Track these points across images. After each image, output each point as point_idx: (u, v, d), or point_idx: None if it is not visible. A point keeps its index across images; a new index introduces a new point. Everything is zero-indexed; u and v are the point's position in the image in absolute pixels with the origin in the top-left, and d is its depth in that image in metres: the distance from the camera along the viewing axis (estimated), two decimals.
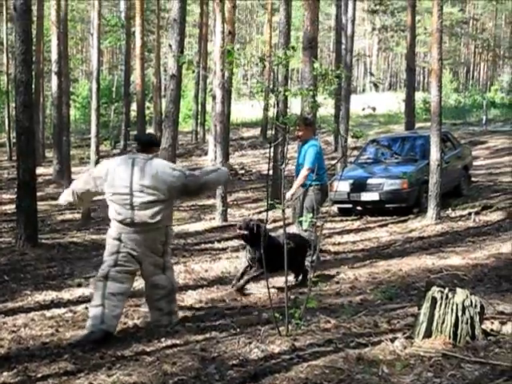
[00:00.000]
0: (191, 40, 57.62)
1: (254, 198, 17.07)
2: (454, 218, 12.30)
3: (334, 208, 13.90)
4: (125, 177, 6.07)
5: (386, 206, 13.07)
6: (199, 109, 33.87)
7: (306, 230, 8.72)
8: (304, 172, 8.83)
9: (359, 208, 13.55)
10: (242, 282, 7.52)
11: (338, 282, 7.97)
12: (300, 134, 8.96)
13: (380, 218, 12.86)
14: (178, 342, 5.61)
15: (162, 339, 5.71)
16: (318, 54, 10.27)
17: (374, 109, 5.08)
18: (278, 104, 5.42)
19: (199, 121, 33.82)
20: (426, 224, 11.78)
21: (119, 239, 6.11)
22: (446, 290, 4.99)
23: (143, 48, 20.73)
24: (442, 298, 4.96)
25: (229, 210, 14.50)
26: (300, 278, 7.95)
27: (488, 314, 5.63)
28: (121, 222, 6.09)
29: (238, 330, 5.82)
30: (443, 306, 4.94)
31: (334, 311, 6.37)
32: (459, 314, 4.90)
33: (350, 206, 13.51)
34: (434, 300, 4.97)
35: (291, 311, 5.50)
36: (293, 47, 5.49)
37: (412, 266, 8.59)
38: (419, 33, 41.83)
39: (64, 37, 18.62)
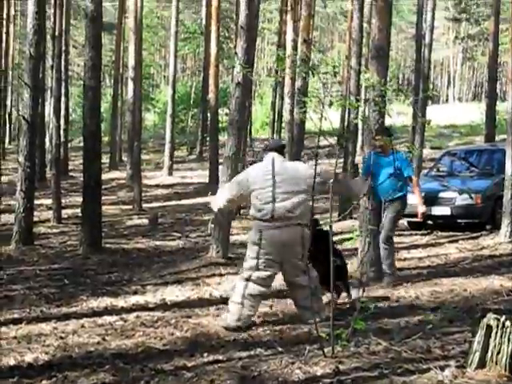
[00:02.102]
0: (272, 47, 57.73)
1: (324, 207, 16.77)
2: None
3: (404, 221, 13.50)
4: (267, 172, 6.41)
5: (458, 221, 12.59)
6: (276, 116, 33.73)
7: (385, 244, 8.56)
8: (416, 182, 8.91)
9: (430, 222, 13.09)
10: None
11: (397, 301, 7.64)
12: (382, 144, 8.60)
13: (451, 233, 12.38)
14: (220, 357, 5.44)
15: (205, 354, 5.55)
16: (388, 64, 9.89)
17: (429, 122, 4.79)
18: (322, 115, 5.19)
19: (275, 128, 33.68)
20: (498, 242, 11.26)
21: (259, 244, 6.36)
22: (503, 318, 4.64)
23: (218, 55, 20.81)
24: (497, 326, 4.61)
25: None
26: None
27: None
28: (261, 218, 6.37)
29: (284, 348, 5.61)
30: (499, 334, 4.60)
31: (387, 332, 6.08)
32: None
33: (421, 220, 13.06)
34: (489, 328, 4.63)
35: (338, 332, 5.25)
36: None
37: (478, 286, 8.18)
38: (505, 42, 40.54)
39: (139, 43, 18.86)
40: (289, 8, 13.55)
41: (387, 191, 8.56)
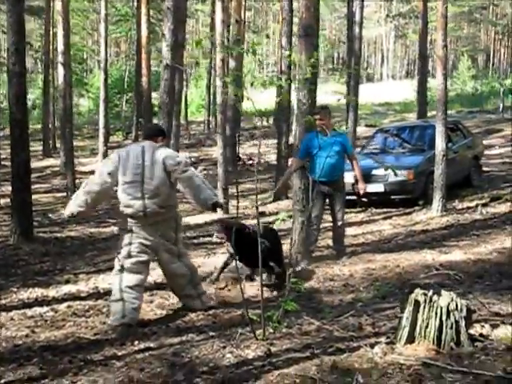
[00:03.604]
0: (207, 29, 57.29)
1: (260, 189, 16.78)
2: (460, 210, 11.94)
3: None
4: (137, 164, 6.11)
5: (392, 197, 12.73)
6: (211, 98, 33.58)
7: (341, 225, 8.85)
8: (357, 160, 9.00)
9: (364, 200, 13.19)
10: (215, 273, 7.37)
11: (331, 279, 7.67)
12: (323, 122, 8.56)
13: (385, 210, 12.53)
14: (151, 345, 5.36)
15: (136, 342, 5.46)
16: (317, 42, 9.85)
17: (350, 99, 4.78)
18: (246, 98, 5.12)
19: (211, 111, 33.53)
20: (430, 216, 11.44)
21: (131, 230, 6.15)
22: (430, 293, 4.68)
23: (149, 38, 20.51)
24: (425, 301, 4.65)
25: (233, 201, 14.28)
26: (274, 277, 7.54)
27: (481, 316, 5.33)
28: (132, 215, 6.12)
29: (217, 332, 5.55)
30: (427, 309, 4.63)
31: (320, 311, 6.09)
32: (443, 318, 4.59)
33: (355, 197, 13.15)
34: (417, 303, 4.66)
35: (269, 314, 5.22)
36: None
37: (411, 261, 8.26)
38: (434, 19, 41.16)
39: (67, 27, 18.42)
40: None
41: (337, 170, 8.61)
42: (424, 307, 4.64)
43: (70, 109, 18.42)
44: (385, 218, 11.87)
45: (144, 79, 20.52)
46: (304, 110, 8.93)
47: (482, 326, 5.04)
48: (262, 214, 12.23)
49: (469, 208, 11.96)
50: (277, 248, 7.54)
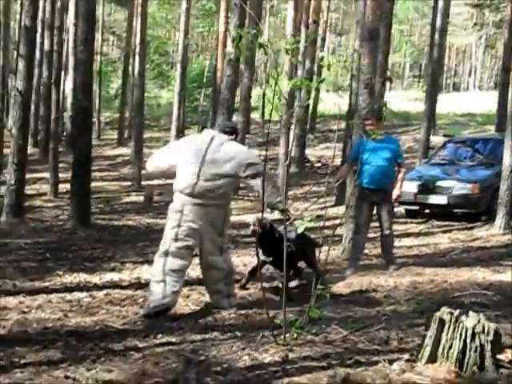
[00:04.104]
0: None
1: (324, 192, 16.57)
2: None
3: (401, 209, 13.28)
4: (201, 147, 6.21)
5: (455, 210, 12.36)
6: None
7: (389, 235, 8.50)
8: (404, 172, 8.61)
9: (427, 211, 12.87)
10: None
11: (374, 289, 7.47)
12: (373, 128, 8.31)
13: (446, 223, 12.16)
14: (173, 339, 5.32)
15: (159, 335, 5.45)
16: (388, 48, 9.80)
17: (385, 104, 4.62)
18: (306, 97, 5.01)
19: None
20: (492, 233, 11.03)
21: (181, 211, 6.14)
22: (456, 313, 4.47)
23: (226, 34, 20.57)
24: (450, 320, 4.44)
25: (295, 203, 14.19)
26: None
27: None
28: (182, 191, 6.14)
29: (242, 333, 5.48)
30: (451, 329, 4.42)
31: (354, 321, 5.92)
32: (468, 340, 4.37)
33: (417, 208, 12.84)
34: (441, 322, 4.45)
35: (292, 319, 5.11)
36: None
37: (460, 278, 7.95)
38: None
39: (144, 17, 18.57)
40: None
41: (386, 177, 8.35)
42: (449, 327, 4.43)
43: (142, 99, 18.65)
44: (444, 232, 11.52)
45: (219, 74, 20.61)
46: (363, 114, 8.79)
47: None
48: (320, 217, 12.07)
49: None
50: (305, 250, 7.38)
